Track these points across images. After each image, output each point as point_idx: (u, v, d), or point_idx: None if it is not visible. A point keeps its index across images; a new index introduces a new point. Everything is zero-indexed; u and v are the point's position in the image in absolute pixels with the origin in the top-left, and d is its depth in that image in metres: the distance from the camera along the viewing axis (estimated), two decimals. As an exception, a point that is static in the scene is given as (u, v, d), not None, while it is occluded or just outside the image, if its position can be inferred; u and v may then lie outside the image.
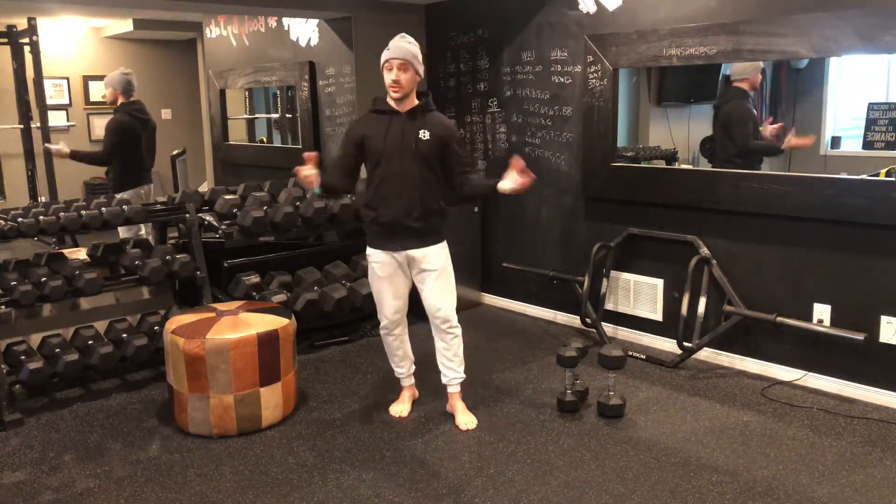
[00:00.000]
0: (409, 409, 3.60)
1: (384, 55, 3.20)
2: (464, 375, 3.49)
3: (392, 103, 3.25)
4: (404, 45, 3.18)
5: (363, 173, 3.39)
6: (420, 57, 3.23)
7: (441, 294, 3.34)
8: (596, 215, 4.65)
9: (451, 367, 3.45)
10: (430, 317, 3.40)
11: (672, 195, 4.20)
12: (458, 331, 3.43)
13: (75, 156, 5.42)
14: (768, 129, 4.58)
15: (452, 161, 3.30)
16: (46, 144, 5.47)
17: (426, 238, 3.29)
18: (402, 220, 3.23)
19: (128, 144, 5.33)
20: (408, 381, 3.63)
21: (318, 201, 4.48)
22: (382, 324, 3.49)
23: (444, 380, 3.49)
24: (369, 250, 3.38)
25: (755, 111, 4.60)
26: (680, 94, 5.26)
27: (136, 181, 5.44)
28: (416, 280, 3.38)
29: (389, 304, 3.41)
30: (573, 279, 4.72)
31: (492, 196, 3.37)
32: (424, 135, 3.22)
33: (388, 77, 3.18)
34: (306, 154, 3.17)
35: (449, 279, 3.38)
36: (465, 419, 3.45)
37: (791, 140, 4.43)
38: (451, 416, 3.50)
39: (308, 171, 3.12)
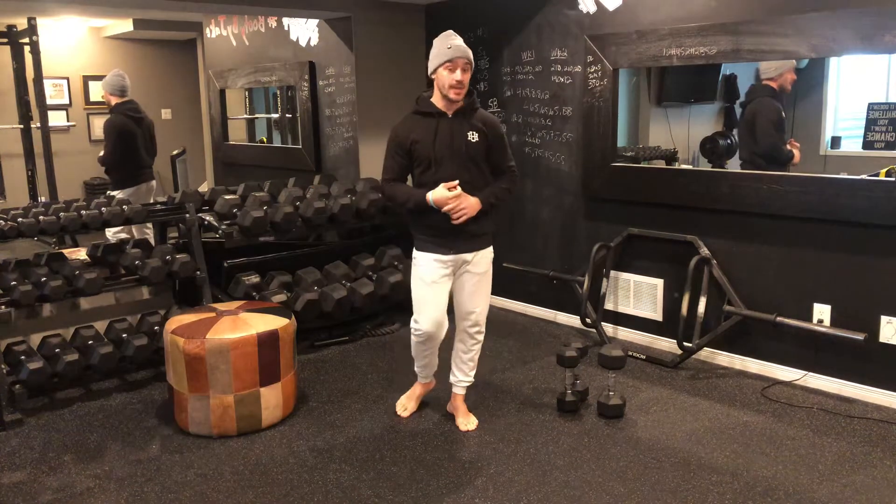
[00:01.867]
0: (413, 408, 3.58)
1: (445, 54, 3.07)
2: (472, 380, 3.48)
3: (438, 104, 3.16)
4: (465, 46, 3.10)
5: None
6: None
7: (480, 297, 3.31)
8: (596, 215, 4.65)
9: (464, 370, 3.43)
10: (461, 319, 3.34)
11: (672, 195, 4.20)
12: (482, 337, 3.40)
13: (100, 161, 5.53)
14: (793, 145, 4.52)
15: (497, 159, 3.25)
16: None
17: (479, 241, 3.24)
18: (455, 225, 3.15)
19: (125, 144, 5.37)
20: (426, 379, 3.60)
21: (318, 201, 4.48)
22: (418, 331, 3.33)
23: (452, 379, 3.48)
24: (418, 255, 3.27)
25: (783, 111, 4.49)
26: (680, 94, 5.26)
27: (136, 179, 5.48)
28: (458, 282, 3.29)
29: (431, 313, 3.26)
30: (573, 279, 4.72)
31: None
32: (473, 136, 3.15)
33: (451, 77, 3.06)
34: (451, 184, 3.10)
35: (489, 284, 3.34)
36: (466, 420, 3.44)
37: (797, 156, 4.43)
38: (452, 417, 3.50)
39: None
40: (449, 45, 3.09)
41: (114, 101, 5.42)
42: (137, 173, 5.50)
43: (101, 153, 5.51)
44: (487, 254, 3.30)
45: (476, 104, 3.23)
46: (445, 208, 3.10)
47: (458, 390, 3.49)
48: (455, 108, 3.17)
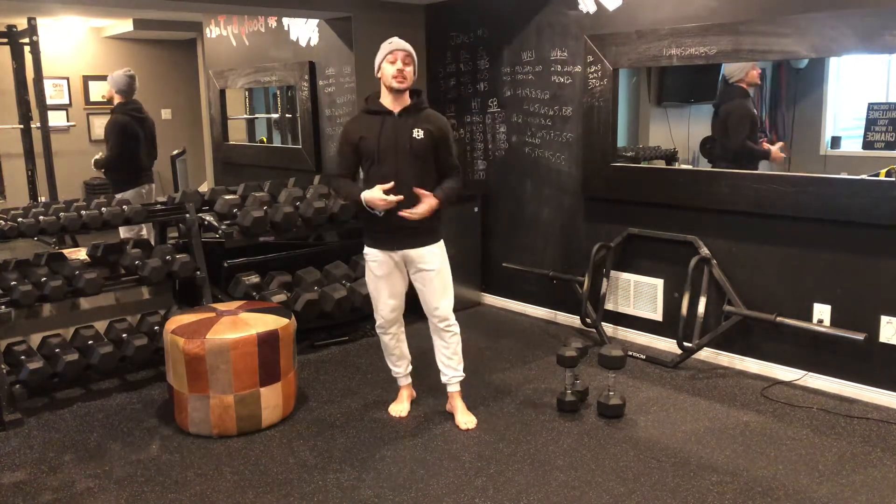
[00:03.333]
0: (408, 408, 3.60)
1: (385, 48, 3.22)
2: (463, 374, 3.49)
3: (385, 102, 3.26)
4: (405, 43, 3.24)
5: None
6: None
7: (439, 293, 3.35)
8: (596, 215, 4.65)
9: (451, 365, 3.45)
10: (429, 316, 3.41)
11: (672, 195, 4.20)
12: (457, 329, 3.43)
13: (97, 164, 5.52)
14: (766, 145, 4.62)
15: (442, 157, 3.32)
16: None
17: (423, 237, 3.30)
18: (398, 220, 3.22)
19: (127, 144, 5.36)
20: (405, 381, 3.63)
21: (318, 201, 4.48)
22: (378, 322, 3.49)
23: (443, 379, 3.49)
24: (366, 249, 3.39)
25: (755, 110, 4.59)
26: (680, 94, 5.26)
27: (137, 181, 5.47)
28: (413, 279, 3.39)
29: (385, 303, 3.42)
30: (573, 279, 4.72)
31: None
32: (418, 133, 3.23)
33: (392, 69, 3.18)
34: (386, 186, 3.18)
35: (446, 278, 3.38)
36: (465, 419, 3.45)
37: (775, 154, 4.51)
38: (451, 416, 3.50)
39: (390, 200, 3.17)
40: (389, 41, 3.25)
41: (118, 99, 5.41)
42: (138, 175, 5.49)
43: (100, 154, 5.49)
44: (436, 249, 3.35)
45: (424, 103, 3.34)
46: (378, 207, 3.19)
47: (452, 388, 3.50)
48: (402, 106, 3.26)
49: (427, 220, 3.26)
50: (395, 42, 3.23)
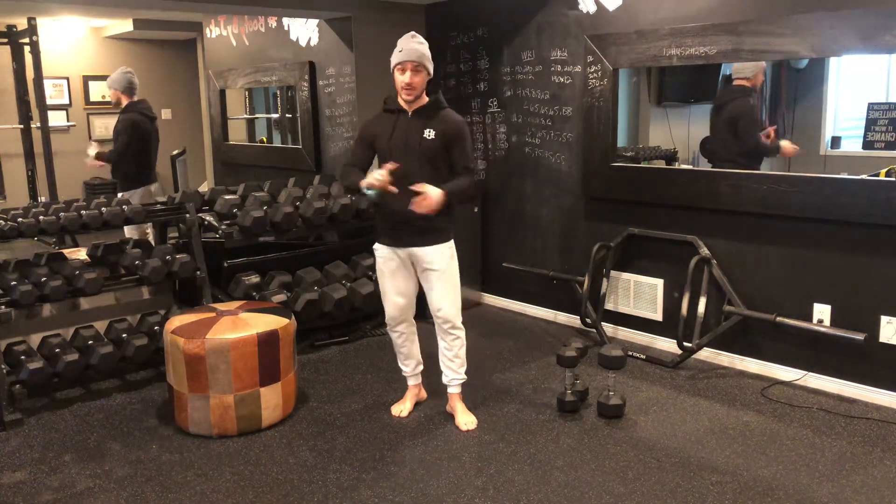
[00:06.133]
0: (409, 408, 3.60)
1: (396, 57, 3.18)
2: (464, 377, 3.49)
3: (401, 102, 3.25)
4: (417, 47, 3.16)
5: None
6: (430, 55, 3.22)
7: (442, 294, 3.33)
8: (596, 215, 4.65)
9: (451, 367, 3.45)
10: (433, 316, 3.40)
11: (672, 195, 4.20)
12: (461, 332, 3.41)
13: (101, 157, 5.50)
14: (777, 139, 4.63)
15: (454, 158, 3.27)
16: (87, 161, 5.58)
17: (429, 237, 3.27)
18: (405, 216, 3.21)
19: (139, 143, 5.35)
20: (413, 381, 3.63)
21: (318, 201, 4.48)
22: (386, 318, 3.50)
23: (444, 379, 3.49)
24: (376, 245, 3.41)
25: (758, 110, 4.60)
26: (680, 94, 5.26)
27: (146, 179, 5.47)
28: (421, 279, 3.39)
29: (391, 301, 3.43)
30: (573, 279, 4.72)
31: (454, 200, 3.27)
32: (430, 134, 3.21)
33: (402, 79, 3.17)
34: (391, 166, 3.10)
35: (451, 280, 3.35)
36: (465, 419, 3.45)
37: (787, 148, 4.50)
38: (452, 417, 3.50)
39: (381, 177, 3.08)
40: (401, 48, 3.18)
41: (125, 99, 5.39)
42: (147, 174, 5.48)
43: (100, 148, 5.49)
44: (443, 249, 3.30)
45: (441, 103, 3.29)
46: (372, 185, 3.07)
47: (453, 389, 3.50)
48: (416, 106, 3.24)
49: (435, 218, 3.20)
50: (406, 50, 3.15)
